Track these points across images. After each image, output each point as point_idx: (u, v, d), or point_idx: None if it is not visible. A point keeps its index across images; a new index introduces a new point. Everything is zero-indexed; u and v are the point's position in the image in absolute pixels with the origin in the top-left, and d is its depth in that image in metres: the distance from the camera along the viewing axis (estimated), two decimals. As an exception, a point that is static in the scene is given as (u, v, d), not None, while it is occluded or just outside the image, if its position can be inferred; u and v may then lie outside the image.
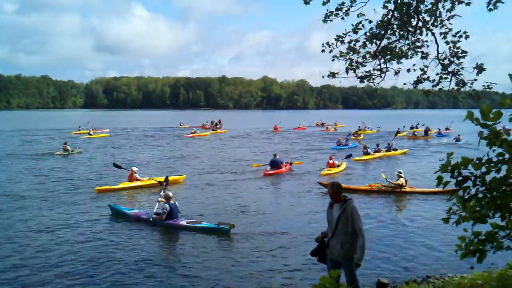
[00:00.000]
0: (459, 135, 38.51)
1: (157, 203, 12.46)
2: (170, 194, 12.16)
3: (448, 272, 8.27)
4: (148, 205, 14.24)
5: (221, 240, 10.70)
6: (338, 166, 21.40)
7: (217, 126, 54.54)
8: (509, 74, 3.28)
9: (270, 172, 20.12)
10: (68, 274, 8.48)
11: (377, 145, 29.10)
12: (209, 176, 20.23)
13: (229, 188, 17.46)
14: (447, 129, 50.92)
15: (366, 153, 26.49)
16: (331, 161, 21.21)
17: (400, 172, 16.52)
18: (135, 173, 17.55)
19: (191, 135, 44.74)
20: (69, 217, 12.73)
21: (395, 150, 29.50)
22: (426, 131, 45.00)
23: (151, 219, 12.06)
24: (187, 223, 11.65)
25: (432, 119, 70.82)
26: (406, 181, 16.30)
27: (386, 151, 28.62)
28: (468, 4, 5.70)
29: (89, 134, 43.29)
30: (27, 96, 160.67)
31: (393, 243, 10.52)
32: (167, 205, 11.84)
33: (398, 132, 42.45)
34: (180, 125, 62.20)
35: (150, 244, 10.54)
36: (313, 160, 26.12)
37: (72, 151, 28.19)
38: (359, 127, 50.77)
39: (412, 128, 53.32)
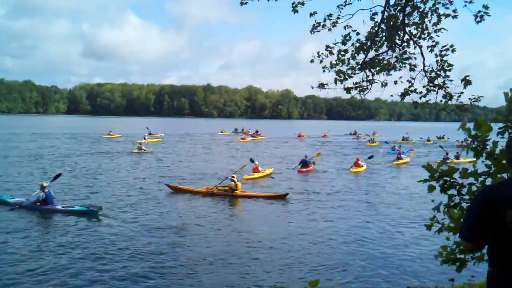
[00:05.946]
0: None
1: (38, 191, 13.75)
2: (45, 183, 13.90)
3: (428, 284, 8.30)
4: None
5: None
6: (362, 166, 26.53)
7: (257, 133, 59.60)
8: (504, 93, 3.31)
9: (303, 170, 25.58)
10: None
11: (458, 153, 32.92)
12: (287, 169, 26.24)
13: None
14: None
15: (400, 158, 31.73)
16: (358, 162, 26.52)
17: (233, 176, 17.78)
18: (259, 166, 23.19)
19: (242, 140, 51.22)
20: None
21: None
22: None
23: (29, 205, 13.59)
24: (62, 207, 13.39)
25: (419, 130, 72.32)
26: (236, 185, 17.40)
27: (456, 159, 31.21)
28: (454, 17, 5.78)
29: (144, 139, 45.26)
30: (9, 101, 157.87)
31: (372, 252, 10.48)
32: (42, 193, 13.46)
33: (428, 140, 53.43)
34: (221, 132, 66.90)
35: (27, 227, 11.90)
36: (344, 161, 31.27)
37: (144, 150, 34.61)
38: (403, 137, 55.58)
39: (439, 138, 58.62)
